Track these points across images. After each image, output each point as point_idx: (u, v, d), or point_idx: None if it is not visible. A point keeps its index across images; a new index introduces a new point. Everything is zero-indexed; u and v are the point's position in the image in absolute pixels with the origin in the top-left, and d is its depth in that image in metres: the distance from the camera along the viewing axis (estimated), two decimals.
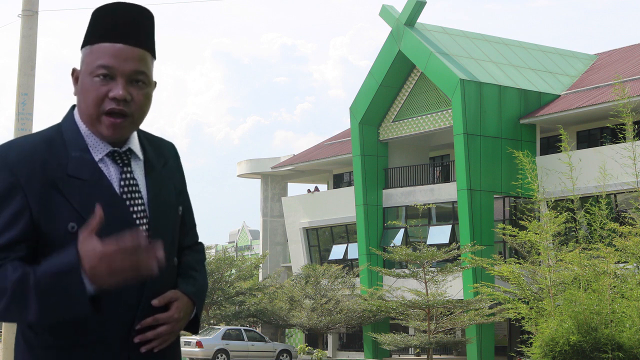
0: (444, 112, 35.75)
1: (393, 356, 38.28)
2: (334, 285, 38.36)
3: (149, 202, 2.53)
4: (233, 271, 44.21)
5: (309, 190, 47.37)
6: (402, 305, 29.79)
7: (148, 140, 2.66)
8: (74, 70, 2.56)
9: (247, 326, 42.87)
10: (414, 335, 30.62)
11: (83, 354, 2.43)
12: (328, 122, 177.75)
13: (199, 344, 36.11)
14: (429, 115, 36.66)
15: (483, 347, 32.56)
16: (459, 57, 35.06)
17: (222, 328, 37.93)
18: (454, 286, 31.50)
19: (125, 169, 2.52)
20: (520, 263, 20.95)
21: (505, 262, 21.41)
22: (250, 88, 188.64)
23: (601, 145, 33.12)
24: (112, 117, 2.46)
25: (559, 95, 35.95)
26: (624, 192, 24.45)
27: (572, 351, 13.19)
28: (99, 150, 2.50)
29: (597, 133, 34.88)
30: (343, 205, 40.94)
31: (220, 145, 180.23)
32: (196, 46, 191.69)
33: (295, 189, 58.67)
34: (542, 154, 34.79)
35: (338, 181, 47.14)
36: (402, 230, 37.56)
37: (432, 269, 30.01)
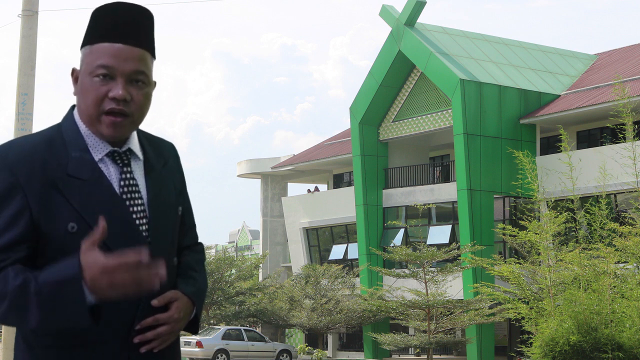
0: (444, 112, 35.75)
1: (393, 356, 38.28)
2: (334, 285, 38.36)
3: (149, 202, 2.53)
4: (233, 271, 44.20)
5: (309, 190, 47.37)
6: (402, 305, 29.80)
7: (148, 140, 2.65)
8: (73, 70, 2.56)
9: (247, 326, 42.87)
10: (414, 335, 30.62)
11: (83, 354, 2.43)
12: (328, 122, 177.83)
13: (199, 344, 36.11)
14: (429, 115, 36.66)
15: (483, 347, 32.56)
16: (459, 57, 35.06)
17: (222, 328, 37.94)
18: (454, 286, 31.50)
19: (125, 169, 2.52)
20: (520, 263, 20.95)
21: (505, 262, 21.41)
22: (250, 88, 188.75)
23: (601, 145, 33.12)
24: (112, 115, 2.46)
25: (559, 95, 35.95)
26: (624, 192, 24.45)
27: (572, 351, 13.19)
28: (98, 150, 2.50)
29: (597, 133, 34.88)
30: (343, 205, 40.94)
31: (220, 145, 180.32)
32: (196, 46, 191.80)
33: (295, 189, 58.74)
34: (542, 154, 34.79)
35: (338, 181, 47.14)
36: (402, 230, 37.56)
37: (432, 269, 30.01)
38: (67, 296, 2.26)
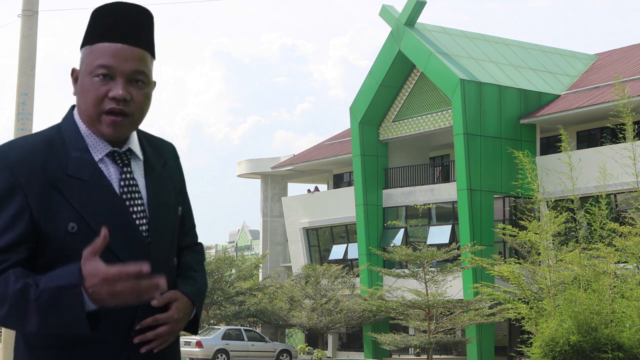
0: (444, 112, 35.76)
1: (393, 356, 38.28)
2: (334, 285, 38.37)
3: (149, 202, 2.53)
4: (233, 271, 44.20)
5: (309, 190, 47.37)
6: (402, 305, 29.80)
7: (148, 140, 2.66)
8: (73, 70, 2.56)
9: (247, 326, 42.87)
10: (414, 335, 30.62)
11: (83, 354, 2.43)
12: (328, 122, 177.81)
13: (199, 344, 36.12)
14: (429, 115, 36.66)
15: (483, 347, 32.56)
16: (459, 57, 35.07)
17: (222, 328, 37.94)
18: (454, 286, 31.50)
19: (125, 169, 2.52)
20: (520, 263, 20.95)
21: (505, 262, 21.41)
22: (250, 88, 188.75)
23: (601, 145, 33.12)
24: (113, 115, 2.46)
25: (559, 95, 35.95)
26: (624, 192, 24.45)
27: (572, 351, 13.19)
28: (99, 151, 2.50)
29: (597, 133, 34.88)
30: (343, 205, 40.94)
31: (220, 145, 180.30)
32: (196, 46, 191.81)
33: (295, 189, 58.74)
34: (542, 154, 34.79)
35: (338, 181, 47.14)
36: (402, 230, 37.56)
37: (432, 269, 30.01)
38: (66, 303, 2.27)
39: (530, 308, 15.66)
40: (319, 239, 43.83)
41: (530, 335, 15.21)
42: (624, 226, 15.13)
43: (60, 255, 2.40)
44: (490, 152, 33.44)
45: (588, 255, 14.90)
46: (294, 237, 44.58)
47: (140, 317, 2.46)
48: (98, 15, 2.49)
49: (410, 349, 36.78)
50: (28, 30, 13.38)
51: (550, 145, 35.17)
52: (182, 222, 2.70)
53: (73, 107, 2.57)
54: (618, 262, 14.78)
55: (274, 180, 50.22)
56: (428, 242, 33.62)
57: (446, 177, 37.86)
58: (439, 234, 35.77)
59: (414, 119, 37.25)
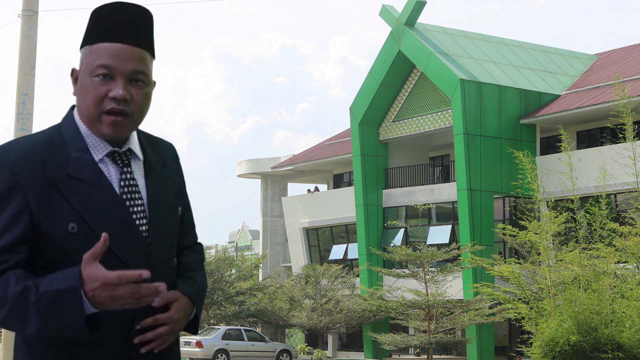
0: (444, 112, 35.76)
1: (393, 356, 38.28)
2: (334, 285, 38.37)
3: (149, 202, 2.54)
4: (233, 271, 44.21)
5: (309, 190, 47.38)
6: (402, 305, 29.80)
7: (147, 140, 2.66)
8: (73, 71, 2.56)
9: (247, 326, 42.87)
10: (414, 335, 30.63)
11: (83, 353, 2.43)
12: (328, 122, 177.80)
13: (199, 344, 36.12)
14: (429, 115, 36.66)
15: (483, 347, 32.56)
16: (459, 57, 35.07)
17: (222, 328, 37.94)
18: (454, 286, 31.50)
19: (125, 169, 2.52)
20: (520, 263, 20.95)
21: (505, 262, 21.41)
22: (250, 88, 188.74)
23: (601, 145, 33.12)
24: (113, 115, 2.46)
25: (559, 95, 35.96)
26: (624, 192, 24.45)
27: (572, 351, 13.19)
28: (99, 151, 2.50)
29: (597, 133, 34.89)
30: (343, 205, 40.94)
31: (220, 145, 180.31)
32: (196, 46, 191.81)
33: (295, 189, 58.74)
34: (542, 154, 34.79)
35: (338, 181, 47.15)
36: (402, 230, 37.57)
37: (432, 269, 30.01)
38: (66, 307, 2.27)
39: (530, 308, 15.66)
40: (319, 239, 43.83)
41: (530, 335, 15.21)
42: (624, 226, 15.13)
43: (60, 255, 2.40)
44: (490, 152, 33.44)
45: (588, 255, 14.90)
46: (294, 237, 44.58)
47: (140, 317, 2.46)
48: (97, 16, 2.49)
49: (410, 349, 36.79)
50: (28, 30, 13.38)
51: (550, 145, 35.17)
52: (182, 222, 2.70)
53: (73, 107, 2.57)
54: (618, 262, 14.78)
55: (274, 180, 50.22)
56: (428, 242, 33.63)
57: (446, 177, 37.86)
58: (439, 234, 35.77)
59: (414, 119, 37.26)
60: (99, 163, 2.49)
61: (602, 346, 13.07)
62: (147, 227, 2.51)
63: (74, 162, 2.45)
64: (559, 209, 17.68)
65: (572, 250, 16.30)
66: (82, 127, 2.51)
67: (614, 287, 13.87)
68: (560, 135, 17.41)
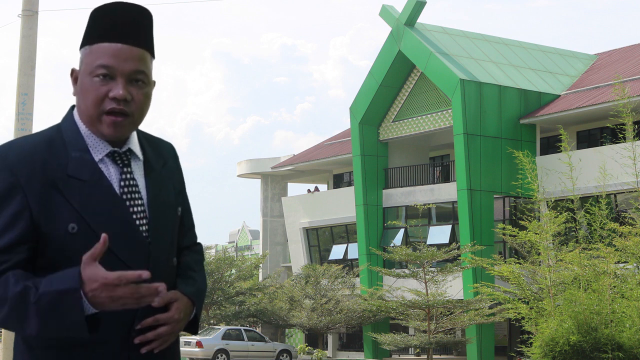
0: (444, 112, 35.76)
1: (393, 356, 38.28)
2: (334, 285, 38.37)
3: (149, 202, 2.53)
4: (233, 271, 44.21)
5: (309, 190, 47.38)
6: (402, 305, 29.80)
7: (147, 140, 2.66)
8: (73, 71, 2.56)
9: (247, 326, 42.87)
10: (414, 335, 30.63)
11: (83, 354, 2.43)
12: (328, 122, 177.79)
13: (199, 344, 36.12)
14: (429, 115, 36.66)
15: (483, 347, 32.56)
16: (459, 57, 35.07)
17: (222, 328, 37.94)
18: (454, 286, 31.50)
19: (125, 169, 2.52)
20: (520, 263, 20.95)
21: (505, 262, 21.41)
22: (250, 88, 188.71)
23: (601, 145, 33.12)
24: (113, 115, 2.46)
25: (559, 95, 35.96)
26: (624, 192, 24.45)
27: (572, 351, 13.19)
28: (99, 151, 2.50)
29: (597, 133, 34.89)
30: (343, 205, 40.94)
31: (220, 145, 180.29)
32: (196, 46, 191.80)
33: (295, 189, 58.74)
34: (542, 154, 34.79)
35: (338, 181, 47.15)
36: (402, 230, 37.57)
37: (432, 269, 30.01)
38: (66, 307, 2.27)
39: (530, 308, 15.66)
40: (319, 239, 43.84)
41: (530, 335, 15.21)
42: (624, 226, 15.13)
43: (60, 255, 2.40)
44: (490, 152, 33.44)
45: (588, 255, 14.90)
46: (294, 237, 44.58)
47: (140, 317, 2.46)
48: (97, 16, 2.49)
49: (410, 349, 36.79)
50: (28, 30, 13.38)
51: (550, 145, 35.17)
52: (182, 222, 2.70)
53: (73, 107, 2.57)
54: (618, 262, 14.79)
55: (274, 180, 50.23)
56: (428, 242, 33.63)
57: (446, 177, 37.86)
58: (439, 234, 35.77)
59: (414, 119, 37.26)
60: (99, 163, 2.49)
61: (602, 346, 13.07)
62: (147, 227, 2.51)
63: (74, 162, 2.45)
64: (559, 209, 17.68)
65: (572, 250, 16.30)
66: (82, 127, 2.51)
67: (614, 287, 13.88)
68: (560, 135, 17.42)
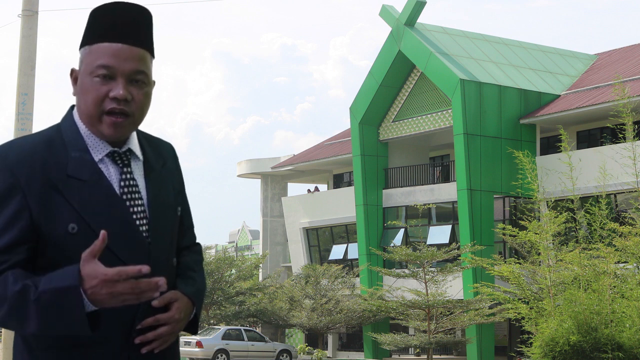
0: (444, 112, 35.76)
1: (393, 356, 38.28)
2: (334, 285, 38.37)
3: (149, 202, 2.53)
4: (233, 271, 44.21)
5: (309, 190, 47.38)
6: (402, 305, 29.80)
7: (147, 140, 2.66)
8: (72, 71, 2.55)
9: (247, 326, 42.87)
10: (414, 335, 30.63)
11: (83, 354, 2.43)
12: (328, 122, 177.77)
13: (199, 344, 36.12)
14: (429, 115, 36.66)
15: (483, 347, 32.56)
16: (459, 57, 35.07)
17: (222, 328, 37.94)
18: (454, 286, 31.50)
19: (125, 169, 2.52)
20: (520, 263, 20.95)
21: (505, 262, 21.41)
22: (250, 88, 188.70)
23: (601, 145, 33.12)
24: (114, 116, 2.46)
25: (559, 95, 35.96)
26: (624, 192, 24.45)
27: (572, 351, 13.19)
28: (98, 151, 2.50)
29: (597, 133, 34.89)
30: (343, 205, 40.94)
31: (220, 145, 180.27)
32: (196, 46, 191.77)
33: (295, 189, 58.74)
34: (542, 154, 34.79)
35: (338, 181, 47.15)
36: (402, 230, 37.56)
37: (432, 269, 30.01)
38: (66, 305, 2.27)
39: (530, 308, 15.66)
40: (319, 239, 43.84)
41: (530, 335, 15.21)
42: (624, 226, 15.13)
43: (60, 255, 2.40)
44: (490, 152, 33.44)
45: (588, 255, 14.90)
46: (294, 237, 44.58)
47: (140, 317, 2.46)
48: (97, 15, 2.49)
49: (410, 349, 36.79)
50: (28, 30, 13.38)
51: (550, 145, 35.17)
52: (181, 223, 2.70)
53: (72, 107, 2.57)
54: (618, 262, 14.79)
55: (274, 180, 50.23)
56: (428, 242, 33.63)
57: (446, 177, 37.86)
58: (439, 234, 35.77)
59: (414, 119, 37.26)
60: (99, 163, 2.49)
61: (602, 346, 13.07)
62: (147, 227, 2.51)
63: (73, 162, 2.45)
64: (559, 209, 17.68)
65: (572, 250, 16.30)
66: (82, 127, 2.51)
67: (614, 287, 13.88)
68: (560, 135, 17.42)
